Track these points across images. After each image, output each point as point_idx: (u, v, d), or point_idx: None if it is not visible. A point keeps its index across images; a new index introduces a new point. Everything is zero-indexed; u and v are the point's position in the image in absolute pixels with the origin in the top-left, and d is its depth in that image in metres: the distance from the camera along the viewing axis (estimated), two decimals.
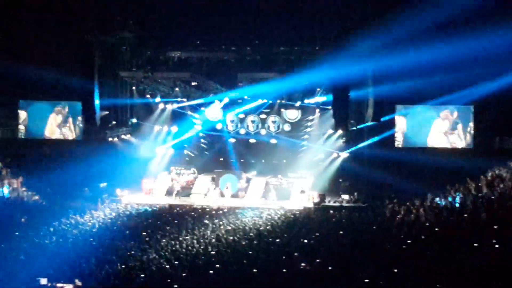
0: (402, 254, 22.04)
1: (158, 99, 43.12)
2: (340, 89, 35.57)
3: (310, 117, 42.43)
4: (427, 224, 25.73)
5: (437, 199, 30.49)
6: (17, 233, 27.73)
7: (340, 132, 38.88)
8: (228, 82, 39.93)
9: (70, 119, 42.31)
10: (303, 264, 21.91)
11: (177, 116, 44.49)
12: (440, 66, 35.98)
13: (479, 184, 30.16)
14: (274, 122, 43.71)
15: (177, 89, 42.20)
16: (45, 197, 38.14)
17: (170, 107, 43.81)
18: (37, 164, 40.19)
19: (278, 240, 25.94)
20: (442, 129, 37.13)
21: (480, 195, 28.44)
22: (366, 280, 19.06)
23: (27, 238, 26.82)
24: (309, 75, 36.42)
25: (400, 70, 36.24)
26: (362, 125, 37.53)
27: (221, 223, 30.40)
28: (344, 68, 34.22)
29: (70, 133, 42.40)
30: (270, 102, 41.96)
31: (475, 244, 20.86)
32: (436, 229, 24.40)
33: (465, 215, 25.31)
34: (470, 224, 23.69)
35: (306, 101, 41.24)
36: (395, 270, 19.84)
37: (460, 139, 36.74)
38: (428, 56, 35.39)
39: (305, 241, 25.73)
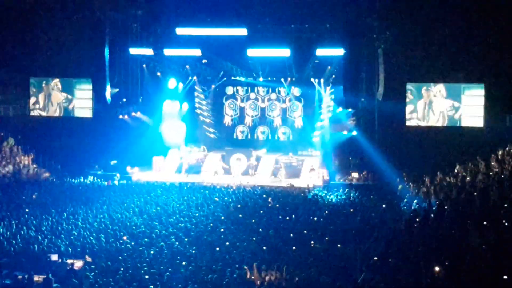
0: (411, 232, 22.05)
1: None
2: (350, 66, 35.37)
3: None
4: (437, 202, 25.70)
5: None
6: (27, 210, 27.95)
7: (350, 109, 38.76)
8: (238, 59, 39.79)
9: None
10: (312, 242, 21.98)
11: (188, 93, 44.46)
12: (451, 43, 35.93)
13: (490, 163, 30.08)
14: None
15: (187, 66, 42.17)
16: (55, 174, 38.36)
17: (181, 84, 43.81)
18: (48, 141, 40.34)
19: (287, 218, 26.00)
20: (453, 107, 36.92)
21: (490, 173, 28.36)
22: (375, 258, 19.11)
23: (37, 215, 27.02)
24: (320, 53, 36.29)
25: (411, 47, 36.17)
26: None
27: (230, 200, 30.48)
28: (354, 45, 34.09)
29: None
30: (282, 79, 41.87)
31: (485, 223, 20.84)
32: (446, 207, 24.38)
33: (475, 193, 25.24)
34: (480, 203, 23.64)
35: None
36: (404, 248, 19.88)
37: (471, 117, 36.53)
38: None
39: (315, 218, 25.81)
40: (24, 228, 24.47)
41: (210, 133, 45.28)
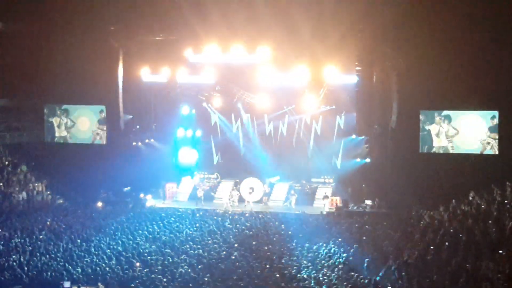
0: (426, 261, 21.88)
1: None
2: (363, 93, 35.46)
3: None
4: (451, 231, 25.52)
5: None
6: (41, 236, 27.98)
7: (364, 137, 38.67)
8: (250, 85, 39.74)
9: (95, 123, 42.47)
10: (324, 272, 21.83)
11: (201, 120, 44.49)
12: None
13: (505, 191, 29.83)
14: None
15: (202, 94, 42.21)
16: (68, 200, 38.36)
17: (194, 111, 43.89)
18: (61, 167, 40.38)
19: (300, 248, 25.89)
20: (467, 134, 36.76)
21: (505, 201, 28.14)
22: (389, 287, 18.98)
23: (51, 241, 27.05)
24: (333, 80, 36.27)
25: (424, 75, 36.03)
26: None
27: (243, 227, 30.40)
28: (367, 72, 34.17)
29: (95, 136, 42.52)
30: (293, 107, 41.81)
31: (500, 251, 20.69)
32: (461, 235, 24.20)
33: (490, 222, 25.06)
34: (495, 231, 23.48)
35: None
36: (418, 277, 19.71)
37: (485, 145, 36.36)
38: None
39: (329, 246, 25.69)
40: (38, 254, 24.49)
41: (220, 159, 44.99)
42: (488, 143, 36.39)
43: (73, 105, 42.70)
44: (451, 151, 36.96)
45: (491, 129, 36.26)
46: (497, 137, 36.06)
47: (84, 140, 42.57)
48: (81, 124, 42.60)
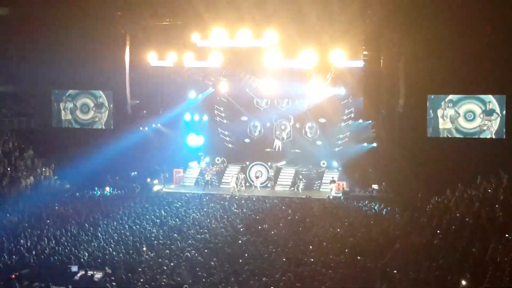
0: (433, 245, 21.86)
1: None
2: (370, 78, 35.33)
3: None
4: (458, 214, 25.47)
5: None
6: (48, 221, 28.07)
7: (371, 121, 38.60)
8: (257, 70, 39.60)
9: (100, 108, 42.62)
10: (331, 256, 21.82)
11: (207, 105, 44.56)
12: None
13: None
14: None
15: (209, 78, 42.13)
16: (76, 185, 38.42)
17: (200, 96, 43.90)
18: (68, 153, 40.42)
19: (307, 230, 25.90)
20: (475, 118, 36.67)
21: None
22: (395, 271, 18.96)
23: (58, 225, 27.14)
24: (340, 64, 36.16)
25: (432, 59, 35.87)
26: None
27: (250, 212, 30.43)
28: (374, 57, 34.04)
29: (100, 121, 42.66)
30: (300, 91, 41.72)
31: (507, 235, 20.66)
32: (467, 219, 24.17)
33: (497, 205, 25.01)
34: (502, 215, 23.42)
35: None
36: (426, 262, 19.69)
37: (492, 129, 36.27)
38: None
39: (335, 230, 25.68)
40: (45, 239, 24.58)
41: (228, 142, 45.15)
42: (484, 125, 36.50)
43: (80, 91, 42.76)
44: (455, 134, 36.93)
45: (486, 113, 36.31)
46: (492, 119, 36.14)
47: (85, 124, 42.75)
48: (83, 108, 42.69)
